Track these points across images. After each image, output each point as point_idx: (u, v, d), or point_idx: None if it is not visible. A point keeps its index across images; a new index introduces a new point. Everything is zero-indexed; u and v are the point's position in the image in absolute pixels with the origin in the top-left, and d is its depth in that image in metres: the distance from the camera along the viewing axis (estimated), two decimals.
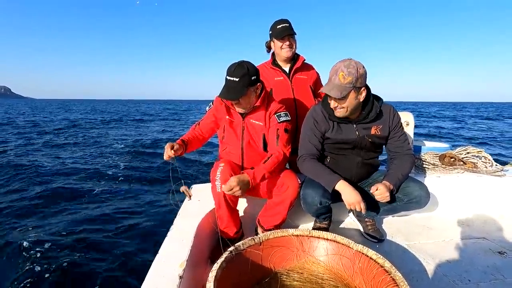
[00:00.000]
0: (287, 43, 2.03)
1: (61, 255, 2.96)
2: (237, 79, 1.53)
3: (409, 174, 1.71)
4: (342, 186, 1.49)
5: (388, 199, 1.49)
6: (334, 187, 1.50)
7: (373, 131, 1.61)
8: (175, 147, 1.59)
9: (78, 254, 2.97)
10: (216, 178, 1.56)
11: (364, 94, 1.49)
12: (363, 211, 1.46)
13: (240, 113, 1.72)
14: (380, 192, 1.48)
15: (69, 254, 2.98)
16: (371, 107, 1.56)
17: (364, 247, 1.27)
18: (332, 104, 1.51)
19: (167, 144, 1.60)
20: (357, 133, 1.61)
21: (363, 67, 1.45)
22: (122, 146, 10.10)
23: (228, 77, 1.55)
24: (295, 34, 2.06)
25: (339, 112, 1.53)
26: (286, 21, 2.03)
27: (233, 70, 1.54)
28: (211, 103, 1.83)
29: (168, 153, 1.56)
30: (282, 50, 2.05)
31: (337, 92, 1.42)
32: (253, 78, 1.58)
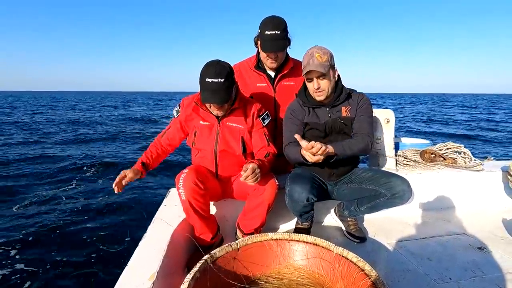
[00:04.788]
0: (273, 56, 1.79)
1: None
2: (222, 80, 1.43)
3: (392, 171, 1.70)
4: None
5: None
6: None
7: (344, 113, 1.66)
8: (129, 176, 1.53)
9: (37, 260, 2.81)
10: (179, 186, 1.48)
11: (337, 73, 1.62)
12: (322, 149, 1.39)
13: (216, 116, 1.64)
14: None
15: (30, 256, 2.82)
16: (341, 89, 1.66)
17: (345, 250, 1.23)
18: (316, 84, 1.55)
19: (121, 173, 1.53)
20: (329, 115, 1.65)
21: None
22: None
23: (210, 79, 1.42)
24: (285, 48, 1.79)
25: (321, 94, 1.58)
26: (278, 25, 1.70)
27: (215, 71, 1.43)
28: (177, 107, 1.73)
29: (118, 186, 1.51)
30: (267, 60, 1.84)
31: (321, 68, 1.50)
32: (233, 76, 1.54)
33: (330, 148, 1.46)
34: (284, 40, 1.75)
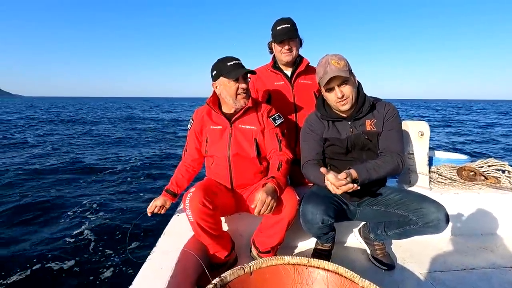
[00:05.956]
0: (286, 47, 1.85)
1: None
2: (240, 61, 1.55)
3: (424, 193, 1.51)
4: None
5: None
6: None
7: (368, 127, 1.48)
8: (159, 205, 1.60)
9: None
10: (186, 207, 1.40)
11: (356, 79, 1.48)
12: (348, 187, 1.23)
13: (228, 118, 1.60)
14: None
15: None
16: (364, 100, 1.49)
17: (372, 283, 1.06)
18: (339, 93, 1.40)
19: (152, 204, 1.60)
20: (350, 129, 1.48)
21: None
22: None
23: (230, 62, 1.52)
24: (297, 38, 1.87)
25: (346, 101, 1.42)
26: (287, 21, 1.84)
27: (231, 57, 1.55)
28: (191, 119, 1.72)
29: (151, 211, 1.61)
30: (281, 54, 1.88)
31: (343, 72, 1.37)
32: None
33: (354, 173, 1.31)
34: (294, 30, 1.84)
